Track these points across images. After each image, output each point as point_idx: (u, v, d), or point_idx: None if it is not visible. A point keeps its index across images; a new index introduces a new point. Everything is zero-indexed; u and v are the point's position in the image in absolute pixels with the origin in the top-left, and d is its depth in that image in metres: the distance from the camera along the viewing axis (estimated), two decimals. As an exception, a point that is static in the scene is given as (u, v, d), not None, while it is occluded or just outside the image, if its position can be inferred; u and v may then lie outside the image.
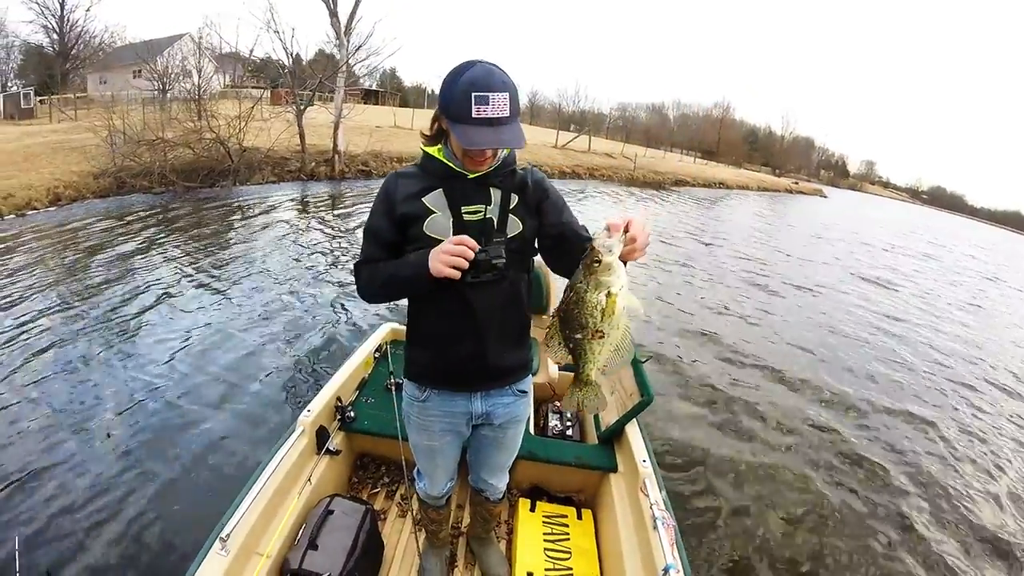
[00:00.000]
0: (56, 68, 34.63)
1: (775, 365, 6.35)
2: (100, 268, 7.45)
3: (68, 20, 35.20)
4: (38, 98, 27.32)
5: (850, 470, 4.46)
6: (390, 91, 47.01)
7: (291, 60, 17.76)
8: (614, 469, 2.52)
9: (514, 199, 1.49)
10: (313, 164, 15.93)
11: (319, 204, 13.40)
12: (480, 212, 1.46)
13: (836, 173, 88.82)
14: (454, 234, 1.41)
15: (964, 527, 4.02)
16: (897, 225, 35.26)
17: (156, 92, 21.51)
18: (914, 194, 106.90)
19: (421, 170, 1.50)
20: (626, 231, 1.15)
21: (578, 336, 1.23)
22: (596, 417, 2.93)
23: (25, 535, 2.92)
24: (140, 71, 27.87)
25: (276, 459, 2.14)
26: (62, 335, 5.36)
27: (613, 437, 2.63)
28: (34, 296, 6.27)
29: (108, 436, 3.86)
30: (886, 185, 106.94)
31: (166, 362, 4.90)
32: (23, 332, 5.39)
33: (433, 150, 1.47)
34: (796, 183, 50.73)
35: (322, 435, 2.45)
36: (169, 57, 24.94)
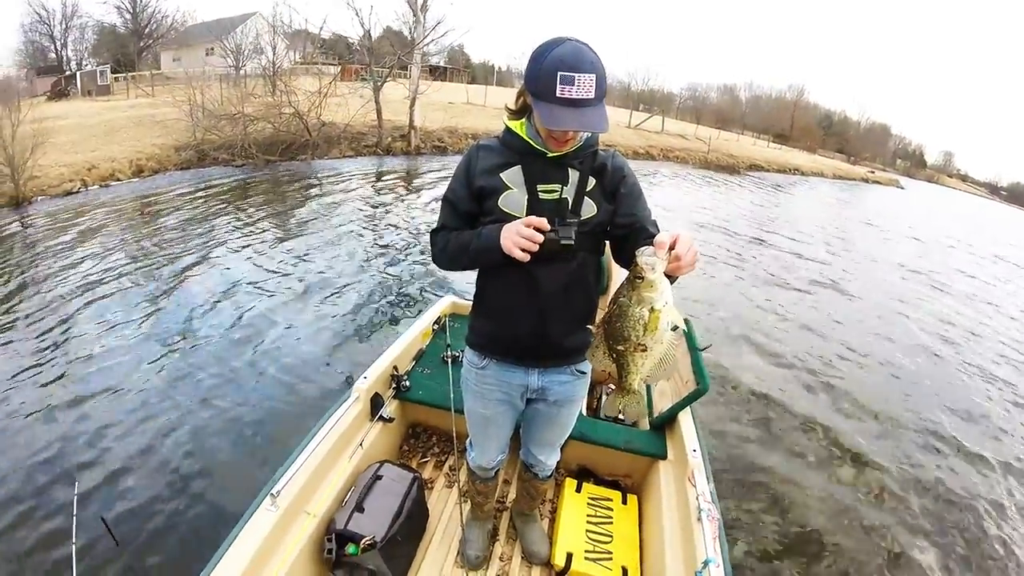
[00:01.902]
0: (130, 47, 35.49)
1: (832, 370, 5.81)
2: (182, 235, 7.71)
3: (141, 0, 36.02)
4: (113, 75, 27.85)
5: (901, 494, 4.02)
6: (462, 67, 46.34)
7: (368, 36, 17.50)
8: (663, 456, 2.46)
9: (591, 182, 1.47)
10: (389, 139, 15.72)
11: (394, 178, 13.28)
12: (556, 191, 1.44)
13: (912, 163, 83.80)
14: (528, 211, 1.42)
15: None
16: (983, 224, 32.26)
17: (230, 69, 21.52)
18: (993, 190, 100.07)
19: (503, 144, 1.48)
20: (671, 248, 1.14)
21: (620, 348, 1.23)
22: (649, 402, 2.84)
23: (82, 482, 3.05)
24: (213, 49, 28.21)
25: (330, 422, 2.19)
26: (141, 296, 5.59)
27: (665, 424, 2.56)
28: (117, 261, 6.52)
29: (170, 390, 4.03)
30: (964, 178, 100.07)
31: (234, 324, 5.08)
32: (103, 292, 5.64)
33: (516, 125, 1.45)
34: (872, 172, 48.05)
35: (376, 402, 2.48)
36: (242, 35, 25.02)
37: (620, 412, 1.36)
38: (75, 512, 2.04)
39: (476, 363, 1.70)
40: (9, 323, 5.00)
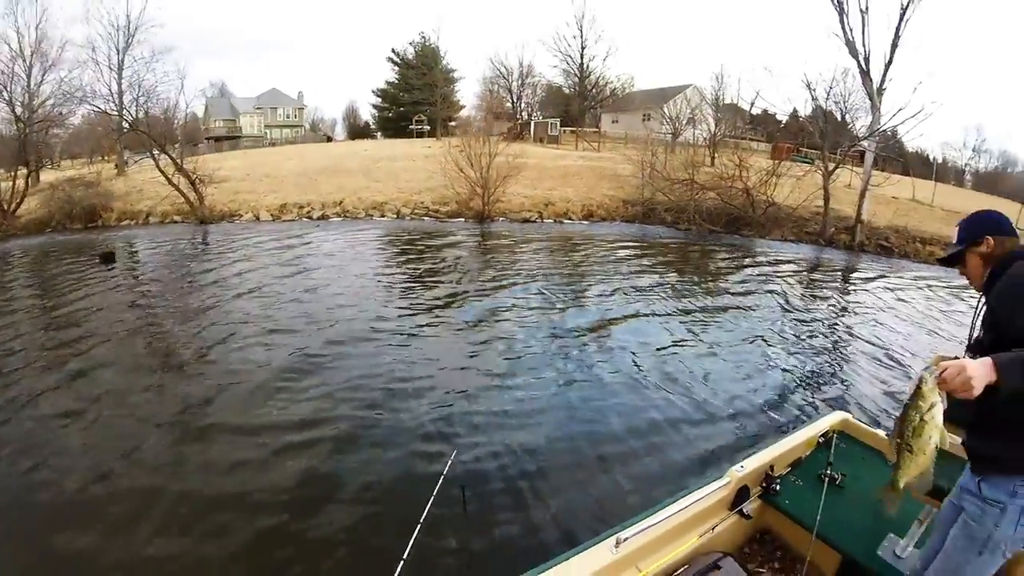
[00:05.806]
0: (574, 105, 41.38)
1: None
2: (611, 274, 9.13)
3: (587, 68, 41.79)
4: (561, 128, 32.74)
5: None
6: (895, 157, 41.80)
7: (824, 119, 16.93)
8: None
9: (982, 306, 1.55)
10: (832, 230, 14.55)
11: (831, 273, 12.20)
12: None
13: None
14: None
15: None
16: None
17: (666, 136, 23.21)
18: None
19: None
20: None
21: (897, 441, 1.39)
22: None
23: (459, 451, 3.33)
24: (649, 115, 31.01)
25: (694, 496, 2.20)
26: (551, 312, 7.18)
27: None
28: (542, 281, 8.41)
29: (562, 400, 4.89)
30: None
31: (637, 364, 5.74)
32: (526, 297, 7.66)
33: None
34: None
35: (742, 494, 2.42)
36: (682, 105, 26.89)
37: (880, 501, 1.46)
38: (444, 472, 2.42)
39: None
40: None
